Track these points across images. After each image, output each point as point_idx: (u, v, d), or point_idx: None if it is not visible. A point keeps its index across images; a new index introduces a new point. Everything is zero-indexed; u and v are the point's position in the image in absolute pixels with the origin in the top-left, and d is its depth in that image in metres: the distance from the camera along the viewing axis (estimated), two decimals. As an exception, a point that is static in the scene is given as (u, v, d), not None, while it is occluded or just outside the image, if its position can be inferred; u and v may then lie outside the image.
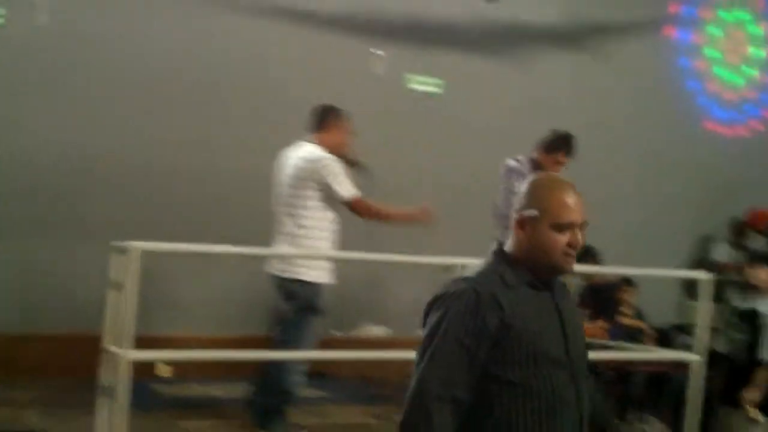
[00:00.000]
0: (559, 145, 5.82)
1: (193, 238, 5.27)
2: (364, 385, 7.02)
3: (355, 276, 7.48)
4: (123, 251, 4.39)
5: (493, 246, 2.59)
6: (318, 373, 7.07)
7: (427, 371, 2.36)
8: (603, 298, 7.60)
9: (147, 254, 4.36)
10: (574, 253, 2.49)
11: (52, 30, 6.90)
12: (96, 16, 7.08)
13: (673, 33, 9.65)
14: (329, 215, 5.26)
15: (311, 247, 5.18)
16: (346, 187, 5.18)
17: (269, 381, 5.09)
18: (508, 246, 2.55)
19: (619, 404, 7.21)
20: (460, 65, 8.41)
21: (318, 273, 5.20)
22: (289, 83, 7.62)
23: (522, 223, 2.52)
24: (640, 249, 8.54)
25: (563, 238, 2.48)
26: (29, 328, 6.64)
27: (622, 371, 7.13)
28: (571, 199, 2.51)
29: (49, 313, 6.75)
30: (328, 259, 5.36)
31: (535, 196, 2.54)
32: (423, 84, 8.33)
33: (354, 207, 5.21)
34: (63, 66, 6.99)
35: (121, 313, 4.27)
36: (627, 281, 7.98)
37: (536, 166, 5.78)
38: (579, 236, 2.49)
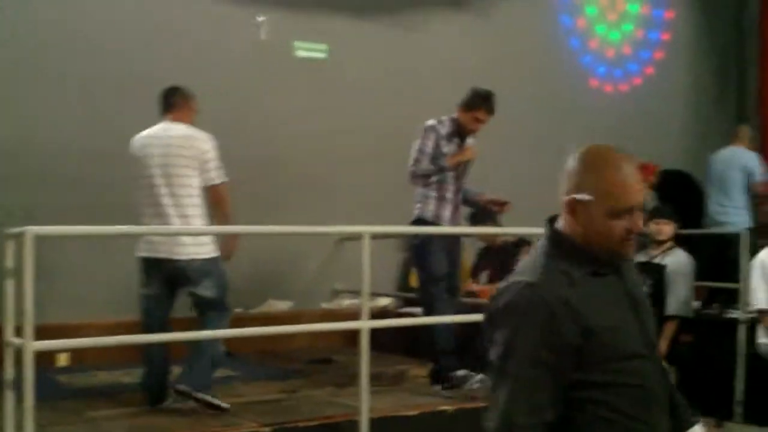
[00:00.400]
0: (478, 102, 5.76)
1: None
2: (270, 360, 6.93)
3: (256, 251, 7.38)
4: (17, 237, 4.17)
5: (545, 230, 2.33)
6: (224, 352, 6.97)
7: (509, 403, 2.13)
8: (502, 259, 7.68)
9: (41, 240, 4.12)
10: (633, 238, 2.24)
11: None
12: None
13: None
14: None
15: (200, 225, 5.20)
16: (221, 171, 5.23)
17: (157, 362, 5.17)
18: (562, 229, 2.28)
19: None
20: (347, 29, 8.34)
21: (213, 247, 5.23)
22: (169, 52, 7.41)
23: (572, 208, 2.25)
24: (535, 207, 8.60)
25: (621, 224, 2.21)
26: None
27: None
28: (630, 178, 2.22)
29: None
30: (229, 234, 5.37)
31: (587, 175, 2.24)
32: (309, 50, 8.21)
33: (220, 192, 5.22)
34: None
35: (20, 302, 4.04)
36: (526, 242, 8.08)
37: (457, 125, 5.78)
38: (640, 221, 2.21)
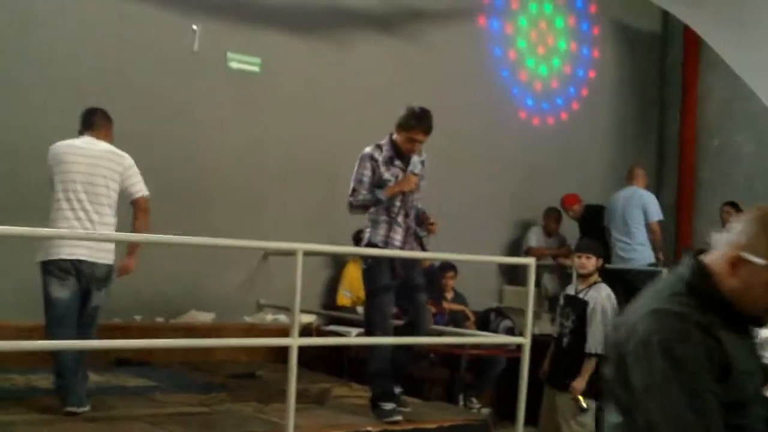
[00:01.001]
0: (412, 122, 5.59)
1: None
2: (191, 373, 6.78)
3: (180, 261, 7.26)
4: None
5: (687, 266, 2.29)
6: (144, 362, 6.83)
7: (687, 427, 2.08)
8: (428, 282, 7.70)
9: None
10: None
11: None
12: None
13: (485, 22, 9.88)
14: None
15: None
16: (143, 186, 5.49)
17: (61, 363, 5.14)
18: (711, 273, 2.25)
19: (445, 387, 7.35)
20: (280, 44, 8.29)
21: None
22: (99, 55, 7.28)
23: (736, 263, 2.21)
24: (457, 234, 8.68)
25: None
26: None
27: (449, 355, 7.27)
28: None
29: None
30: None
31: (764, 239, 2.19)
32: (243, 62, 8.14)
33: (143, 205, 5.48)
34: None
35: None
36: (450, 266, 8.15)
37: (395, 146, 5.66)
38: None
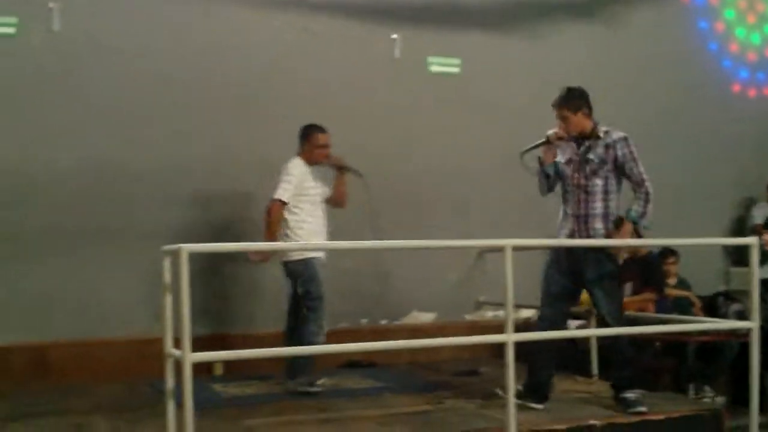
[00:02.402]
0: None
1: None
2: (417, 372, 6.99)
3: (400, 265, 7.48)
4: (173, 254, 4.34)
5: None
6: (372, 363, 7.11)
7: None
8: (648, 270, 7.54)
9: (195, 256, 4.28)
10: None
11: (69, 36, 6.89)
12: (108, 20, 7.07)
13: (687, -2, 9.56)
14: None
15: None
16: (277, 190, 6.07)
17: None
18: None
19: (673, 376, 7.15)
20: (479, 43, 8.35)
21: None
22: (307, 73, 7.62)
23: None
24: (678, 216, 8.45)
25: None
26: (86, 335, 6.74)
27: (674, 343, 7.07)
28: None
29: (104, 319, 6.81)
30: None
31: None
32: (443, 65, 8.26)
33: (269, 207, 6.08)
34: (81, 71, 6.97)
35: (178, 315, 4.21)
36: (671, 251, 7.92)
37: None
38: None
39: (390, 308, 7.69)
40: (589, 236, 5.45)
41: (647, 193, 5.41)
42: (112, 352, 6.71)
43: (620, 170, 5.47)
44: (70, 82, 6.91)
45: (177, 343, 4.23)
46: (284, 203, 6.04)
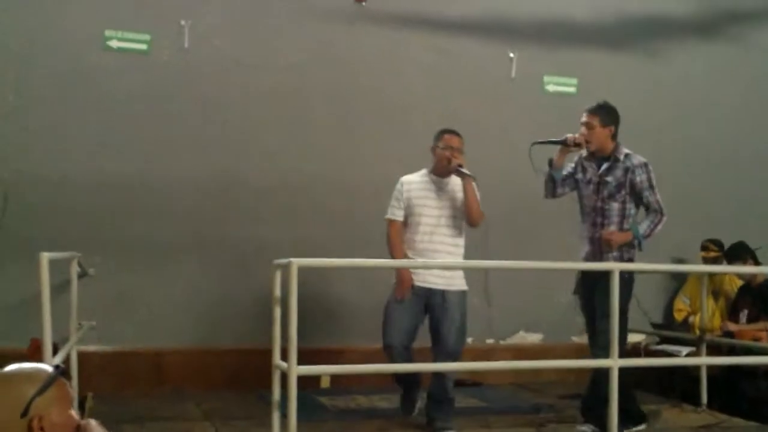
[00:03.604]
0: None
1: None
2: (521, 393, 6.98)
3: (510, 283, 7.48)
4: (283, 268, 4.49)
5: None
6: (477, 382, 7.15)
7: None
8: (763, 298, 7.36)
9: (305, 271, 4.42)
10: None
11: (199, 53, 7.16)
12: (238, 37, 7.31)
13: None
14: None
15: None
16: (389, 209, 5.74)
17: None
18: None
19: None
20: (596, 63, 8.29)
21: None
22: (422, 94, 7.70)
23: None
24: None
25: None
26: (201, 344, 6.99)
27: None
28: None
29: (219, 328, 7.05)
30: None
31: None
32: (560, 84, 8.24)
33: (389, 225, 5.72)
34: (209, 88, 7.22)
35: (286, 328, 4.35)
36: (791, 281, 7.67)
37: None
38: None
39: (497, 328, 7.71)
40: (602, 260, 5.37)
41: (661, 220, 5.39)
42: (224, 361, 6.92)
43: (637, 196, 5.40)
44: (198, 98, 7.18)
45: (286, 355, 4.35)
46: (396, 221, 5.63)
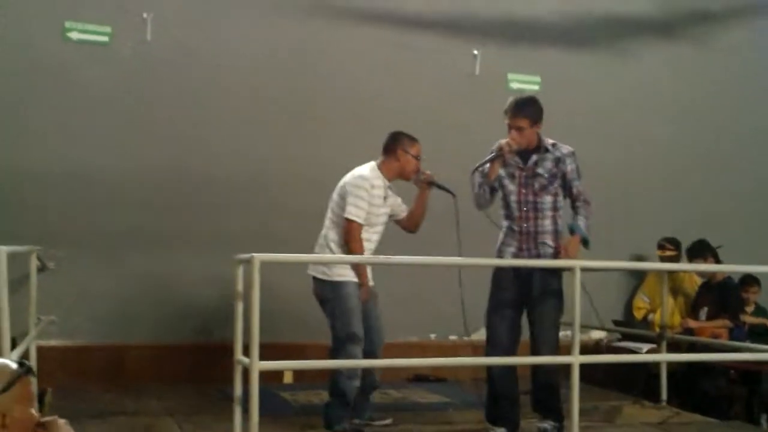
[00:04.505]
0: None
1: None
2: (482, 389, 6.98)
3: (474, 280, 7.48)
4: (246, 263, 4.47)
5: None
6: (439, 378, 7.15)
7: None
8: (724, 296, 7.43)
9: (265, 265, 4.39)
10: None
11: (160, 45, 7.12)
12: (199, 30, 7.28)
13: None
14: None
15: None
16: (353, 209, 5.30)
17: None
18: None
19: (746, 405, 7.03)
20: (560, 61, 8.35)
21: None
22: (384, 89, 7.68)
23: None
24: (761, 241, 8.34)
25: None
26: (162, 339, 6.93)
27: (748, 372, 6.95)
28: None
29: (180, 323, 7.00)
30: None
31: None
32: (522, 82, 8.27)
33: (347, 227, 5.32)
34: (170, 81, 7.18)
35: (248, 323, 4.33)
36: (754, 280, 7.76)
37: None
38: None
39: (459, 324, 7.70)
40: (539, 254, 5.23)
41: (591, 211, 5.28)
42: (185, 356, 6.87)
43: (567, 186, 5.25)
44: (159, 91, 7.13)
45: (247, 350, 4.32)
46: (360, 224, 5.30)
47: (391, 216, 5.55)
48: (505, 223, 5.35)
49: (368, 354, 5.30)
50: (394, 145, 5.49)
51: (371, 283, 5.44)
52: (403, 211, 5.61)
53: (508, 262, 5.30)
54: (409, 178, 5.53)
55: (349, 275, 5.28)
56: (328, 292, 5.33)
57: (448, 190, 5.52)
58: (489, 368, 5.42)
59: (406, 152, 5.46)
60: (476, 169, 5.30)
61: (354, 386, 5.21)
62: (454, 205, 5.38)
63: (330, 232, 5.43)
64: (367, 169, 5.44)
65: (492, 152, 5.22)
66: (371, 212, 5.34)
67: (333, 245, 5.39)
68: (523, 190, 5.23)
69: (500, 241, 5.37)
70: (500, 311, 5.41)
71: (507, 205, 5.31)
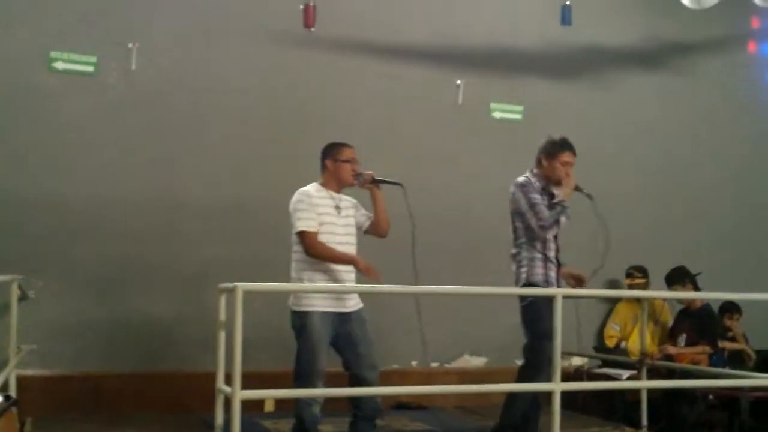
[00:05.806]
0: (561, 146, 5.75)
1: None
2: (466, 417, 7.02)
3: (453, 308, 7.54)
4: (229, 292, 4.50)
5: None
6: (421, 406, 7.17)
7: None
8: (702, 322, 7.49)
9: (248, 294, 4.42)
10: None
11: (146, 75, 7.16)
12: (184, 59, 7.32)
13: (756, 48, 9.51)
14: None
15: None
16: (298, 222, 5.30)
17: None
18: None
19: (726, 431, 7.07)
20: (543, 91, 8.44)
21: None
22: (370, 118, 7.74)
23: None
24: (741, 269, 8.42)
25: None
26: (143, 367, 6.92)
27: (727, 397, 7.00)
28: None
29: (159, 353, 6.99)
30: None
31: None
32: (506, 111, 8.35)
33: (302, 240, 5.29)
34: (156, 110, 7.21)
35: (230, 352, 4.35)
36: (736, 308, 7.82)
37: (546, 176, 5.74)
38: None
39: (441, 351, 7.74)
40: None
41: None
42: (166, 385, 6.85)
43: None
44: (143, 120, 7.15)
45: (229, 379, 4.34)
46: (315, 232, 5.25)
47: (359, 228, 5.56)
48: (539, 255, 5.60)
49: (360, 380, 5.31)
50: (322, 157, 5.57)
51: (360, 305, 5.41)
52: (368, 219, 5.61)
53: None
54: (349, 182, 5.53)
55: (317, 305, 5.23)
56: (296, 322, 5.30)
57: (393, 182, 5.60)
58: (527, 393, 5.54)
59: (336, 160, 5.49)
60: (555, 222, 5.59)
61: (312, 412, 5.21)
62: (404, 195, 5.46)
63: (295, 264, 5.40)
64: (307, 186, 5.50)
65: (557, 201, 5.64)
66: (325, 221, 5.32)
67: (301, 273, 5.34)
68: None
69: (541, 271, 5.61)
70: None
71: (544, 238, 5.60)
